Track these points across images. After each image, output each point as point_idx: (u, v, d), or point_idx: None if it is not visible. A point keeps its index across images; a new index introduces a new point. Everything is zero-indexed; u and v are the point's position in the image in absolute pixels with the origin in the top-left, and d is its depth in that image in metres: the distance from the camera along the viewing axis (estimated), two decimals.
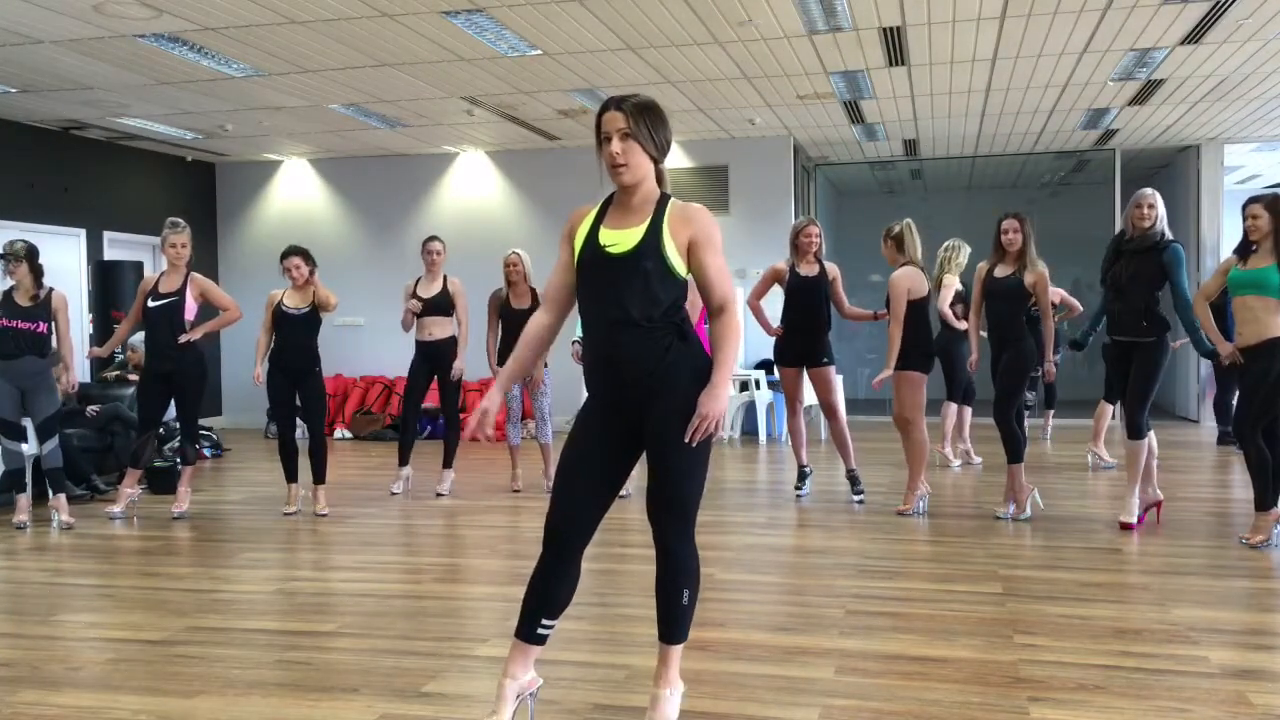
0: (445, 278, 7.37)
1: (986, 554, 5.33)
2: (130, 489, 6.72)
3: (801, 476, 7.05)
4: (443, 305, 7.29)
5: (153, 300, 6.60)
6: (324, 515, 6.65)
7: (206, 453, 9.64)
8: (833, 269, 6.81)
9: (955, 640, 3.91)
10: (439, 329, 7.30)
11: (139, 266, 10.27)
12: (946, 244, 8.14)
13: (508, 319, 7.28)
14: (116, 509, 6.63)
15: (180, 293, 6.60)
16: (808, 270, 6.74)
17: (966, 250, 8.05)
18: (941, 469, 8.22)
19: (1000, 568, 5.03)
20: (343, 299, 11.36)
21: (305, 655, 3.82)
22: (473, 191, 11.89)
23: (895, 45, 7.61)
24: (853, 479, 6.85)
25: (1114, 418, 8.83)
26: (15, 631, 4.18)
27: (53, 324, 6.42)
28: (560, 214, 10.66)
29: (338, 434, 11.29)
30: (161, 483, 7.59)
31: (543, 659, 3.61)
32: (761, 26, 7.11)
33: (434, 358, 7.30)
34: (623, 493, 6.97)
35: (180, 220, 6.80)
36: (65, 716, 3.23)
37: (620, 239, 2.86)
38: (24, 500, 6.45)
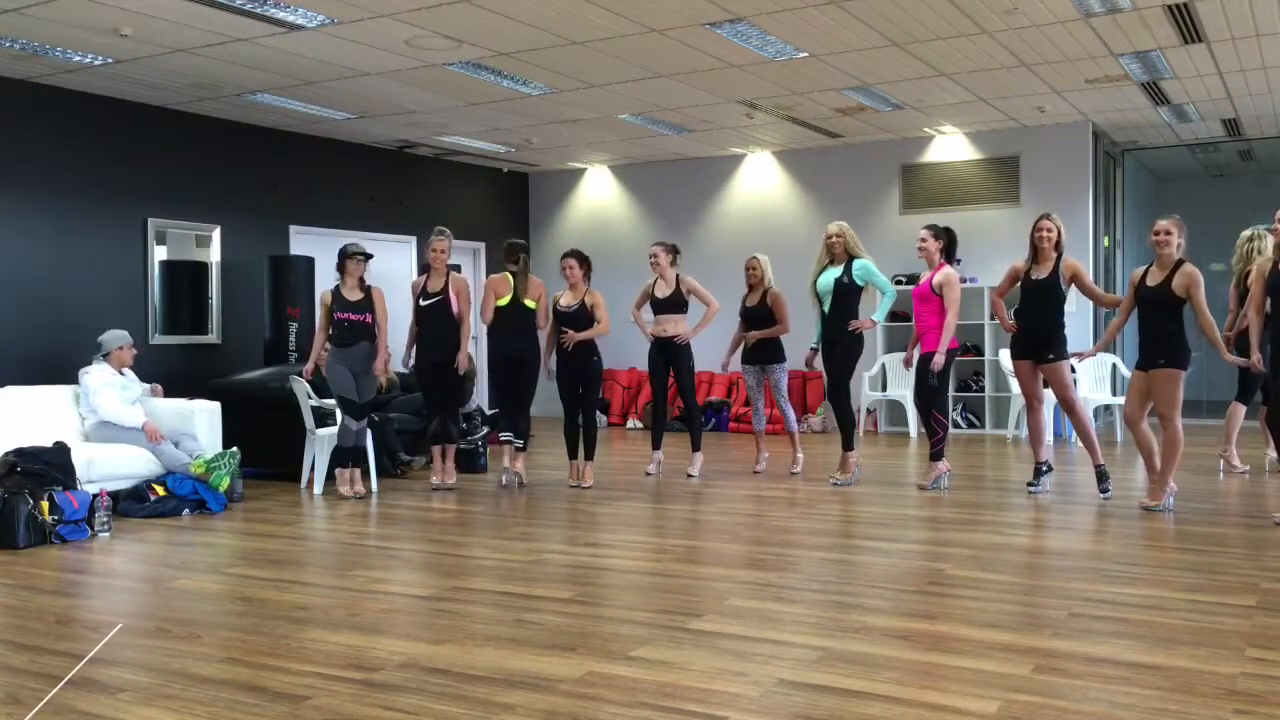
0: (679, 278, 7.88)
1: (1255, 566, 4.97)
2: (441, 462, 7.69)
3: (1037, 473, 6.96)
4: (677, 304, 7.83)
5: (424, 300, 7.47)
6: (588, 487, 7.47)
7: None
8: (1072, 265, 6.65)
9: (1177, 649, 3.75)
10: (673, 325, 7.84)
11: (458, 269, 11.41)
12: (1250, 232, 7.57)
13: (745, 318, 8.01)
14: (437, 480, 7.66)
15: (444, 292, 7.44)
16: (1039, 272, 6.67)
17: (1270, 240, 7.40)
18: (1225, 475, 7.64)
19: (1266, 580, 4.69)
20: None
21: (540, 617, 4.27)
22: (760, 191, 12.20)
23: (1186, 21, 7.12)
24: (1100, 474, 6.80)
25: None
26: (316, 582, 4.96)
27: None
28: (844, 212, 10.74)
29: (630, 424, 11.98)
30: (466, 463, 8.48)
31: (742, 634, 3.90)
32: (1029, 13, 6.91)
33: (668, 352, 7.88)
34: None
35: (445, 228, 7.62)
36: (335, 652, 3.85)
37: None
38: (348, 473, 7.45)
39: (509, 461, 7.77)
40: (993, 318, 10.74)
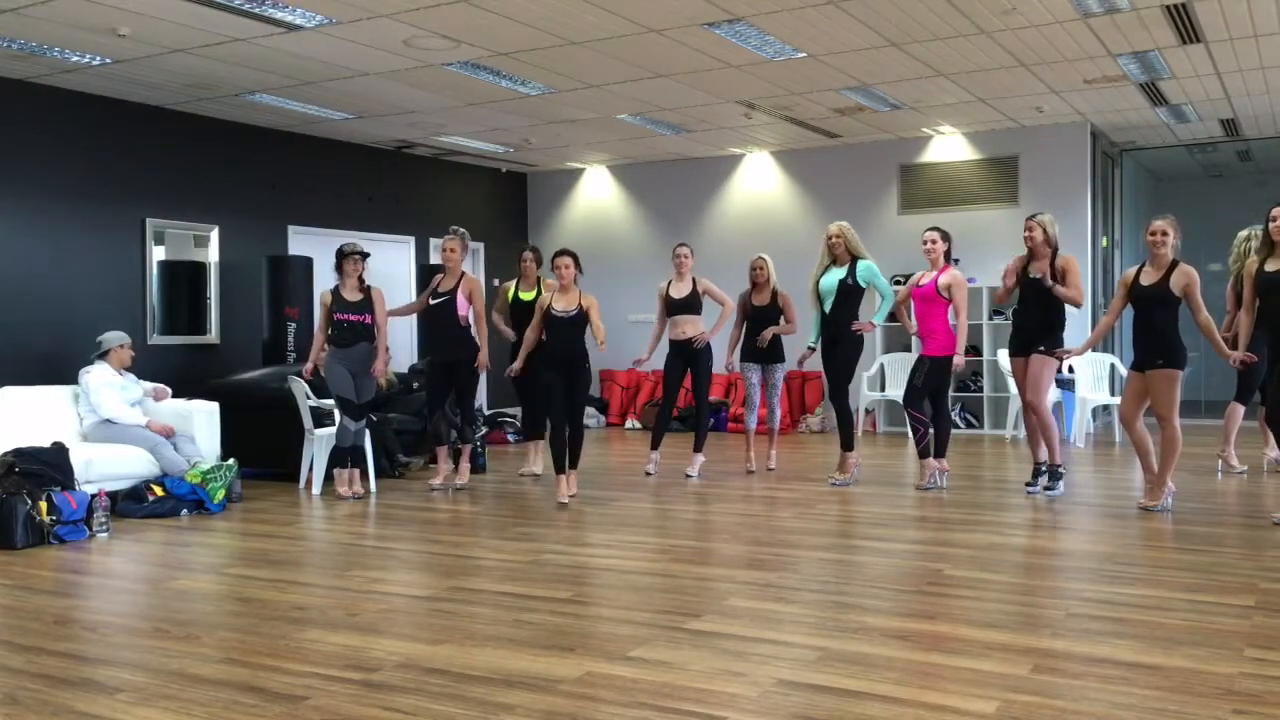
0: (695, 280, 7.93)
1: (1254, 566, 4.97)
2: (446, 465, 7.68)
3: (1035, 473, 7.00)
4: (693, 305, 7.84)
5: (433, 299, 7.49)
6: (573, 496, 7.05)
7: (510, 437, 10.59)
8: (1066, 263, 6.64)
9: (1175, 649, 3.75)
10: (691, 327, 7.85)
11: None
12: (1247, 232, 7.58)
13: (753, 317, 8.02)
14: (436, 481, 7.61)
15: (453, 292, 7.42)
16: (1036, 271, 6.67)
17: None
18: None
19: (1265, 580, 4.69)
20: (638, 296, 12.15)
21: (539, 617, 4.27)
22: (759, 191, 12.19)
23: (1184, 22, 7.13)
24: (1051, 473, 6.91)
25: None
26: (315, 582, 4.95)
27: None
28: (842, 212, 10.74)
29: (628, 424, 11.98)
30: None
31: (741, 635, 3.90)
32: (1028, 14, 6.91)
33: (687, 354, 7.89)
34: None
35: (459, 228, 7.61)
36: (334, 652, 3.84)
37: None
38: (346, 474, 7.43)
39: (534, 455, 8.23)
40: (991, 317, 10.80)
